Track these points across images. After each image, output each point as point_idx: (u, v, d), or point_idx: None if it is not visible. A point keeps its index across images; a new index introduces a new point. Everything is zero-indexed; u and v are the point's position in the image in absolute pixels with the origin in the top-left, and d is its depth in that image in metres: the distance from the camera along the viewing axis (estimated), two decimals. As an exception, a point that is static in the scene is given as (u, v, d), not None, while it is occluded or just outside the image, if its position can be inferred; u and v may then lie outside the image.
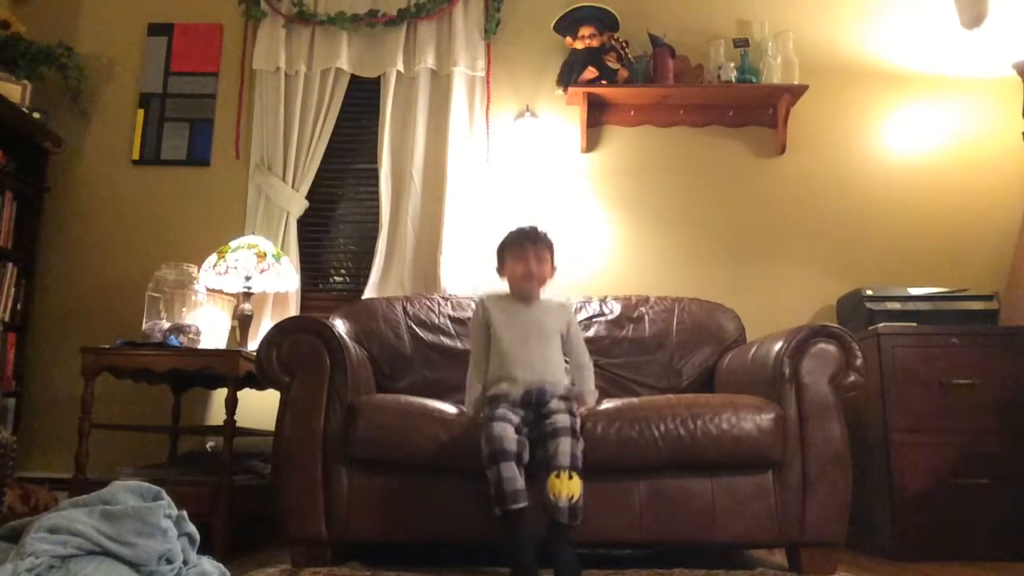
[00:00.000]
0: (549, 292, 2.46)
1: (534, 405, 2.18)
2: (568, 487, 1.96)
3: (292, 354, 2.26)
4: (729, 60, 3.39)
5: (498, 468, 1.99)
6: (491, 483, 2.00)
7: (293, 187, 3.37)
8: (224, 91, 3.55)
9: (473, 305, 2.98)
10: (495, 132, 3.48)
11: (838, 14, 3.56)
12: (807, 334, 2.28)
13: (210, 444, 3.10)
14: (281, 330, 2.30)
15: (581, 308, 3.01)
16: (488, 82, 3.50)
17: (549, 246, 2.41)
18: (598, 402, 2.38)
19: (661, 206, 3.45)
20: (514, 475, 1.99)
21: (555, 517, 1.96)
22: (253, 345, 2.79)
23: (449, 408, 2.31)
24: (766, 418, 2.20)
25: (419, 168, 3.40)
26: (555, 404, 2.16)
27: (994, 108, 3.43)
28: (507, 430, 2.04)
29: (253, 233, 3.28)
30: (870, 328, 2.81)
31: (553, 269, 2.42)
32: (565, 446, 2.02)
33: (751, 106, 3.46)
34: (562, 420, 2.09)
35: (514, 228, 2.45)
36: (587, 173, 3.47)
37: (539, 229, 2.43)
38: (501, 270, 2.45)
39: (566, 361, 2.41)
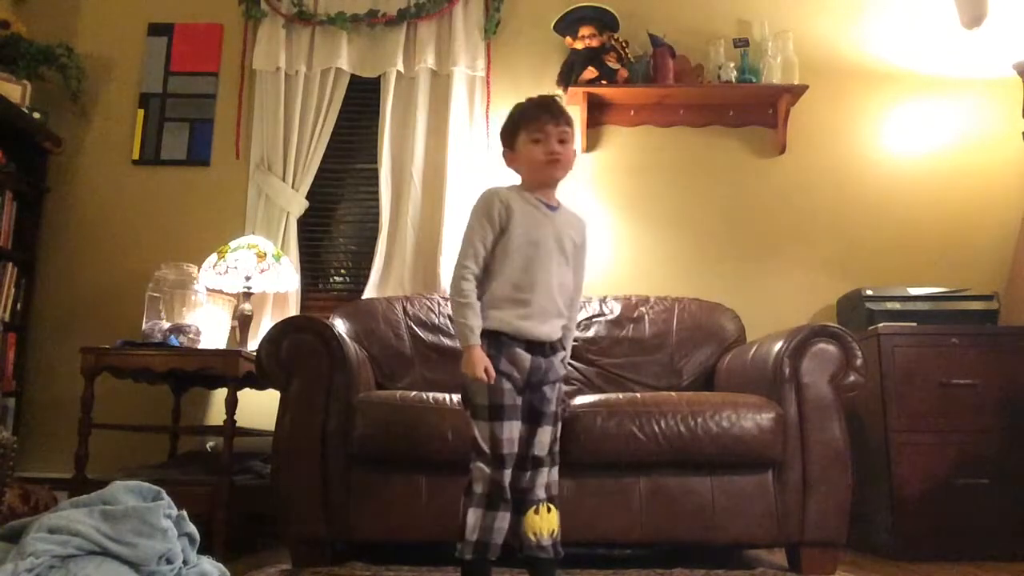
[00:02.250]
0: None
1: (533, 377, 1.80)
2: (548, 522, 1.74)
3: (292, 354, 2.26)
4: (729, 60, 3.39)
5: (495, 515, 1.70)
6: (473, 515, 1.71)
7: (293, 187, 3.37)
8: (224, 91, 3.55)
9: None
10: (495, 132, 3.47)
11: (838, 14, 3.56)
12: (807, 334, 2.29)
13: (210, 444, 3.10)
14: (281, 330, 2.30)
15: (581, 308, 3.00)
16: (488, 82, 3.50)
17: (572, 124, 1.88)
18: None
19: (661, 206, 3.45)
20: (505, 526, 1.72)
21: (537, 554, 1.74)
22: (253, 345, 2.79)
23: (449, 398, 2.29)
24: (766, 417, 2.20)
25: (419, 168, 3.39)
26: (550, 398, 1.81)
27: (994, 108, 3.43)
28: (514, 436, 1.73)
29: (253, 233, 3.28)
30: (870, 328, 2.81)
31: (574, 154, 1.90)
32: (543, 477, 1.77)
33: (751, 106, 3.46)
34: (544, 441, 1.78)
35: (525, 101, 1.92)
36: (587, 173, 3.47)
37: (559, 99, 1.92)
38: (510, 155, 1.92)
39: None
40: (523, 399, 1.79)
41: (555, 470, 1.82)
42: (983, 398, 2.68)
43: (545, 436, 1.80)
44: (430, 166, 3.41)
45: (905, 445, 2.65)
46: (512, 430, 1.74)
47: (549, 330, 1.83)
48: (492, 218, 1.83)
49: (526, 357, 1.79)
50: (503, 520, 1.72)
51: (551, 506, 1.76)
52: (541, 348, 1.81)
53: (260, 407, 2.85)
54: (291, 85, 3.46)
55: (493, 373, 1.75)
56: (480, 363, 1.75)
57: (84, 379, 2.61)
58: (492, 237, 1.83)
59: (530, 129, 1.85)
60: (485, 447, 1.73)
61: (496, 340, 1.78)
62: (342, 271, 3.61)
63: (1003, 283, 3.19)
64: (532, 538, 1.73)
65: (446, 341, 2.89)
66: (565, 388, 2.21)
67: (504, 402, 1.75)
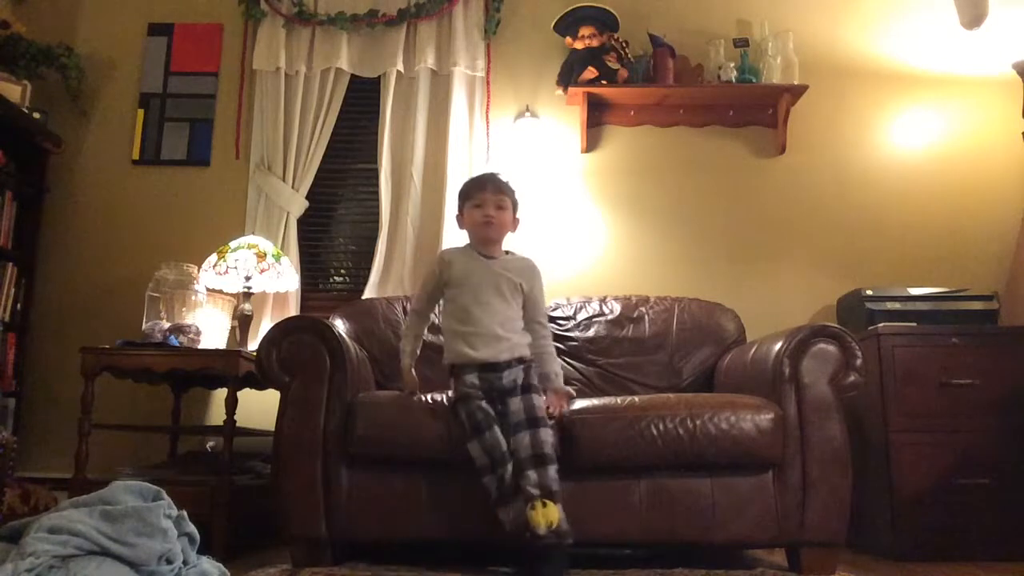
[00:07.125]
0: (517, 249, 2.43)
1: (495, 390, 2.15)
2: (545, 516, 1.91)
3: (292, 354, 2.26)
4: (729, 60, 3.39)
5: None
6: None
7: (293, 187, 3.38)
8: (224, 91, 3.55)
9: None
10: (495, 132, 3.48)
11: (838, 14, 3.56)
12: (807, 334, 2.28)
13: (210, 444, 3.10)
14: (281, 330, 2.30)
15: (581, 308, 3.01)
16: (488, 82, 3.50)
17: (511, 193, 2.33)
18: (569, 396, 2.33)
19: (661, 206, 3.45)
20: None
21: (539, 543, 1.92)
22: (253, 345, 2.79)
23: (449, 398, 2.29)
24: (765, 418, 2.20)
25: (419, 168, 3.40)
26: (515, 409, 2.12)
27: (994, 108, 3.43)
28: (497, 438, 2.06)
29: (253, 233, 3.28)
30: (870, 328, 2.81)
31: (515, 221, 2.35)
32: (532, 477, 1.97)
33: (751, 106, 3.46)
34: (525, 446, 2.03)
35: (470, 179, 2.43)
36: (587, 173, 3.47)
37: (501, 175, 2.36)
38: (460, 219, 2.38)
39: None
40: (495, 410, 2.12)
41: (549, 469, 2.00)
42: (983, 398, 2.68)
43: (523, 440, 2.04)
44: (430, 166, 3.41)
45: (905, 445, 2.65)
46: (494, 436, 2.05)
47: (493, 353, 2.18)
48: (434, 278, 2.34)
49: (483, 377, 2.15)
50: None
51: (546, 501, 1.93)
52: (492, 367, 2.16)
53: (260, 407, 2.86)
54: (291, 85, 3.46)
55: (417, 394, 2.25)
56: (410, 384, 2.32)
57: (84, 379, 2.61)
58: (436, 292, 2.34)
59: (472, 196, 2.30)
60: (481, 459, 2.05)
61: (453, 369, 2.22)
62: (342, 271, 3.61)
63: (1003, 283, 3.19)
64: (532, 527, 1.91)
65: (446, 341, 2.89)
66: (568, 387, 2.42)
67: (478, 417, 2.08)
